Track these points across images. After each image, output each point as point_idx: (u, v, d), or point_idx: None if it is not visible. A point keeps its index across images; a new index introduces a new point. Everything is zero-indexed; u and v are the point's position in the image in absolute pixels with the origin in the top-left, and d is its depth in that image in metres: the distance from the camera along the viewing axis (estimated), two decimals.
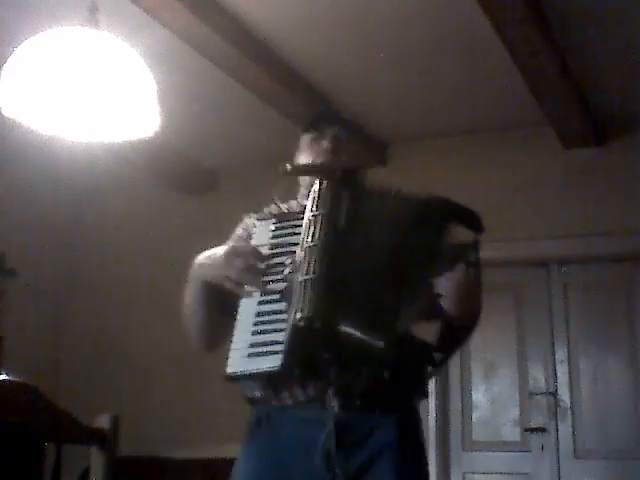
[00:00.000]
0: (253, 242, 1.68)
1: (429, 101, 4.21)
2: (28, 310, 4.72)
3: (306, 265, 1.50)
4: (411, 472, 1.66)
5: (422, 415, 4.53)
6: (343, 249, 1.54)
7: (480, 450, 4.43)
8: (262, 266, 1.59)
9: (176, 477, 4.51)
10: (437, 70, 3.86)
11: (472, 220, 1.65)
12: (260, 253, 1.61)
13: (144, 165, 4.69)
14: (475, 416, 4.48)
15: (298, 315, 1.45)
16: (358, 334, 1.46)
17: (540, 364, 4.40)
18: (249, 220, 1.85)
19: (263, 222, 1.72)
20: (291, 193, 1.91)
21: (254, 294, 1.58)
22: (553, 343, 4.39)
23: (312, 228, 1.55)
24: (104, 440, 1.69)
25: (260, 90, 3.82)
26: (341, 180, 1.62)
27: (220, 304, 1.67)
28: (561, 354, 4.36)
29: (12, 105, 2.17)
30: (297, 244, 1.59)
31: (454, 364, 4.54)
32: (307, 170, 1.83)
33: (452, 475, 4.42)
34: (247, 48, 3.50)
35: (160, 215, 5.08)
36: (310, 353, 1.49)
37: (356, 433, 1.60)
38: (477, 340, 4.50)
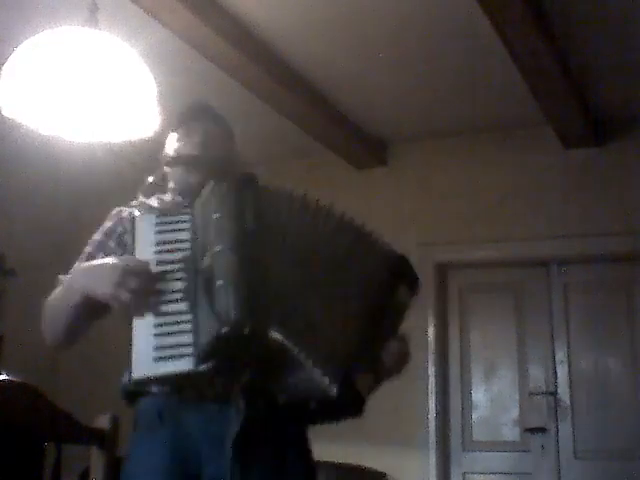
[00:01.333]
0: (137, 238, 1.57)
1: (429, 101, 4.21)
2: (28, 310, 4.71)
3: (220, 269, 1.44)
4: (310, 467, 1.70)
5: (422, 415, 4.51)
6: (256, 253, 1.48)
7: (480, 450, 4.43)
8: (156, 287, 1.48)
9: None
10: (437, 70, 3.86)
11: (416, 285, 1.66)
12: (152, 273, 1.50)
13: (144, 165, 4.68)
14: (475, 416, 4.48)
15: (223, 320, 1.39)
16: (289, 344, 1.42)
17: (540, 364, 4.40)
18: (123, 213, 1.76)
19: (144, 217, 1.61)
20: (157, 188, 1.85)
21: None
22: (553, 343, 4.39)
23: (219, 230, 1.48)
24: (104, 440, 1.69)
25: (260, 90, 3.82)
26: (242, 180, 1.57)
27: (92, 312, 1.60)
28: (561, 354, 4.36)
29: (12, 105, 2.17)
30: (185, 240, 1.54)
31: (454, 364, 4.55)
32: (185, 161, 1.78)
33: (452, 475, 4.41)
34: (247, 48, 3.50)
35: None
36: (228, 357, 1.44)
37: (262, 430, 1.57)
38: (477, 340, 4.55)
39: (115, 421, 1.72)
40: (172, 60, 3.47)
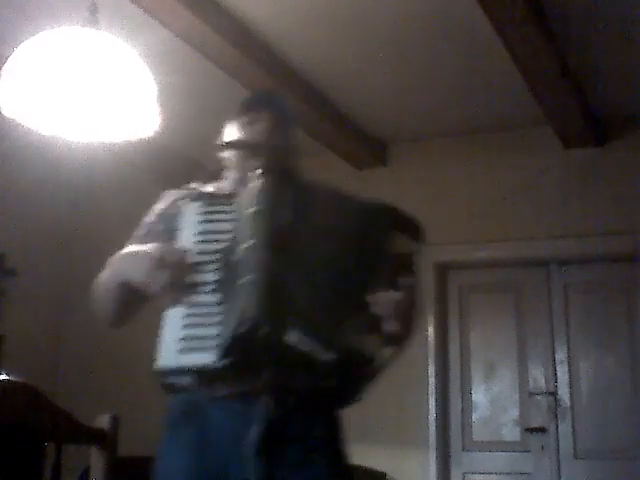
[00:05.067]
0: (182, 224, 1.57)
1: (429, 101, 4.21)
2: (28, 310, 4.72)
3: (248, 265, 1.45)
4: (340, 470, 1.66)
5: (422, 415, 4.51)
6: (287, 250, 1.48)
7: (480, 450, 4.43)
8: (188, 279, 1.48)
9: None
10: (437, 70, 3.86)
11: (413, 230, 1.64)
12: (188, 264, 1.49)
13: (144, 165, 4.68)
14: (475, 416, 4.47)
15: (242, 318, 1.41)
16: (304, 346, 1.43)
17: (540, 364, 4.40)
18: (171, 197, 1.75)
19: (190, 203, 1.60)
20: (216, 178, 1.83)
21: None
22: (553, 343, 4.39)
23: (254, 225, 1.49)
24: (104, 440, 1.69)
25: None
26: (283, 173, 1.57)
27: (136, 295, 1.59)
28: (561, 354, 4.36)
29: (12, 105, 2.17)
30: (226, 231, 1.52)
31: (454, 364, 4.55)
32: (243, 146, 1.75)
33: (452, 475, 4.41)
34: (247, 48, 3.50)
35: None
36: (248, 354, 1.45)
37: (289, 430, 1.56)
38: (477, 340, 4.55)
39: (115, 421, 1.73)
40: (172, 60, 3.47)
